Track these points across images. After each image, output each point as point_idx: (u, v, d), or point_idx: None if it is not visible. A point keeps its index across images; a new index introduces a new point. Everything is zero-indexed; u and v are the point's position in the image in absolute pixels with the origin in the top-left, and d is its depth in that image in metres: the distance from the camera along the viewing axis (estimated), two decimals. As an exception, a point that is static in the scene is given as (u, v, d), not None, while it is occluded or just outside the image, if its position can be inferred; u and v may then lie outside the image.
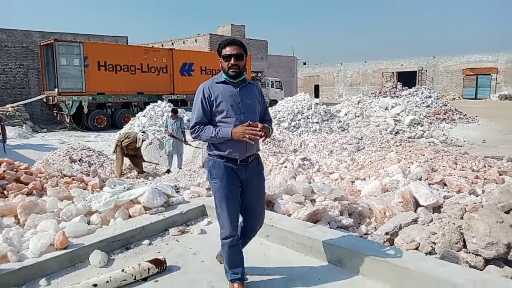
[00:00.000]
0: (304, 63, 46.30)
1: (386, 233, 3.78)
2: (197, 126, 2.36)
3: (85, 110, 17.10)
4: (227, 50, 2.32)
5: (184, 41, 30.96)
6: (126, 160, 8.52)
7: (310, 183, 4.79)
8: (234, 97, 2.37)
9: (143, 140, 8.43)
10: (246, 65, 2.41)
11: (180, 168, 8.53)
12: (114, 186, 4.03)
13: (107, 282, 2.51)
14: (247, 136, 2.22)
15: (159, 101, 16.51)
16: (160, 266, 2.77)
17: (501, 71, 34.79)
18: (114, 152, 8.48)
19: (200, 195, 4.12)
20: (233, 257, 2.51)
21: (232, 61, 2.32)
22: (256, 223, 2.57)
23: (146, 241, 3.29)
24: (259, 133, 2.22)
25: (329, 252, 2.87)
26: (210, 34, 29.59)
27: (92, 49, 17.68)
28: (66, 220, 3.35)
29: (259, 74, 25.92)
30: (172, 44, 30.40)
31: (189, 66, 21.45)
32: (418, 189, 4.38)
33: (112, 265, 2.92)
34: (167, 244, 3.30)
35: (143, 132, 8.98)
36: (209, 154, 2.47)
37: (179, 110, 13.58)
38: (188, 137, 8.90)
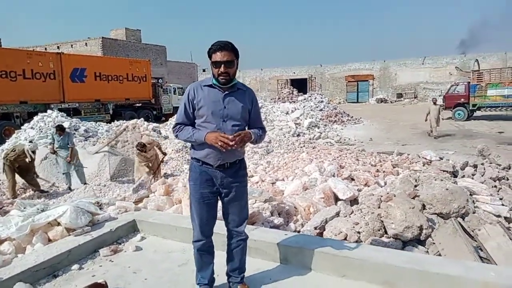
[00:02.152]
0: (204, 70, 46.38)
1: (315, 228, 4.06)
2: (177, 127, 2.38)
3: (-48, 123, 14.41)
4: (217, 56, 2.23)
5: (72, 45, 28.38)
6: (19, 179, 7.44)
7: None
8: (218, 103, 2.30)
9: (32, 151, 7.42)
10: (236, 69, 2.33)
11: (85, 183, 7.78)
12: (24, 208, 3.52)
13: (43, 317, 2.19)
14: (219, 144, 2.18)
15: (48, 111, 14.77)
16: (102, 291, 2.52)
17: (376, 78, 39.95)
18: (3, 172, 7.32)
19: (127, 210, 3.85)
20: (201, 261, 2.49)
21: (222, 69, 2.23)
22: (234, 225, 2.49)
23: (75, 266, 2.96)
24: (231, 143, 2.18)
25: (275, 252, 2.96)
26: (103, 37, 27.71)
27: (-42, 51, 15.01)
28: (-31, 254, 2.81)
29: (160, 81, 25.11)
30: (58, 47, 27.60)
31: (81, 72, 19.66)
32: (336, 185, 4.80)
33: (39, 298, 2.56)
34: (101, 266, 3.02)
35: (30, 141, 7.88)
36: (191, 157, 2.45)
37: (65, 125, 12.24)
38: (79, 151, 8.15)
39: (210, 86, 2.34)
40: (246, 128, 2.42)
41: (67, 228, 3.29)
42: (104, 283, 2.57)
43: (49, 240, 3.21)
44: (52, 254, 2.90)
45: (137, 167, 7.72)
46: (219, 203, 2.50)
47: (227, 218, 2.51)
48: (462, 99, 19.65)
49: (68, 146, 7.97)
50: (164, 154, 8.27)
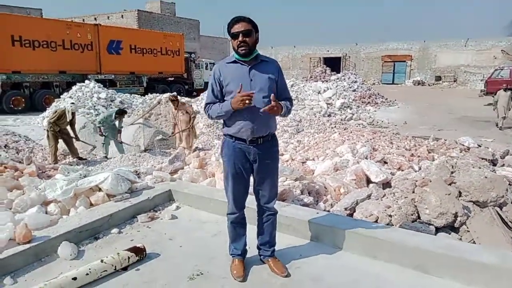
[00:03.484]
0: (235, 46, 46.07)
1: (345, 209, 4.05)
2: (207, 106, 2.42)
3: (-2, 91, 15.21)
4: (235, 28, 2.25)
5: (108, 17, 28.84)
6: (60, 146, 7.81)
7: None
8: (244, 77, 2.31)
9: (73, 112, 7.73)
10: (256, 41, 2.31)
11: (123, 153, 8.07)
12: (68, 173, 3.72)
13: (87, 274, 2.36)
14: (243, 101, 2.19)
15: (86, 81, 15.26)
16: (140, 254, 2.67)
17: (415, 59, 38.28)
18: (46, 138, 7.69)
19: (163, 180, 3.99)
20: (234, 233, 2.58)
21: (240, 38, 2.24)
22: (266, 201, 2.54)
23: (115, 230, 3.13)
24: (252, 94, 2.20)
25: (306, 229, 3.00)
26: (138, 10, 27.95)
27: (4, 21, 15.61)
28: (21, 212, 3.03)
29: (193, 55, 25.20)
30: (95, 19, 28.10)
31: (117, 44, 20.07)
32: (369, 167, 4.74)
33: (83, 257, 2.74)
34: (139, 231, 3.17)
35: (72, 103, 8.15)
36: (224, 134, 2.49)
37: (102, 95, 12.36)
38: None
39: (233, 62, 2.35)
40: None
41: (107, 194, 3.46)
42: (142, 247, 2.72)
43: (91, 204, 3.40)
44: (94, 218, 3.08)
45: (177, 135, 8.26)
46: (251, 179, 2.54)
47: (258, 194, 2.55)
48: (505, 85, 18.56)
49: (118, 128, 8.27)
50: (192, 126, 8.21)
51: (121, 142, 8.35)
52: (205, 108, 2.44)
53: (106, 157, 8.25)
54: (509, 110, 12.58)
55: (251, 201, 2.64)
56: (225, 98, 2.37)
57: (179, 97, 8.28)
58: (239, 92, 2.22)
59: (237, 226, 2.58)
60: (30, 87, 16.68)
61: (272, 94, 2.28)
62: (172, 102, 8.13)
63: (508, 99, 12.37)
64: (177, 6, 33.87)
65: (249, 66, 2.33)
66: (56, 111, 7.79)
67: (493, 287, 2.23)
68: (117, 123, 8.30)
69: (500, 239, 3.07)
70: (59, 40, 17.40)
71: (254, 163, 2.42)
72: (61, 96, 14.55)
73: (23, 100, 16.20)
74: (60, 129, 7.62)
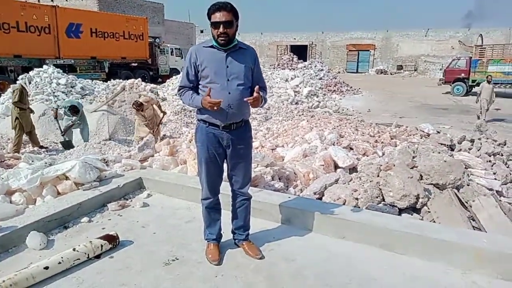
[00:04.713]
0: (202, 31, 45.22)
1: (314, 193, 4.19)
2: (181, 90, 2.42)
3: None
4: (216, 17, 2.22)
5: (66, -2, 27.31)
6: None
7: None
8: (220, 63, 2.31)
9: (29, 82, 7.32)
10: (236, 30, 2.30)
11: (87, 140, 7.80)
12: (32, 161, 3.58)
13: (59, 263, 2.31)
14: (211, 107, 2.21)
15: (45, 66, 14.48)
16: (113, 242, 2.64)
17: (378, 48, 39.38)
18: (13, 128, 7.21)
19: (133, 168, 3.92)
20: (209, 218, 2.60)
21: (221, 29, 2.23)
22: (239, 186, 2.58)
23: (85, 219, 3.07)
24: (220, 103, 2.21)
25: (278, 213, 3.09)
26: (99, -8, 26.66)
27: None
28: (-18, 202, 2.89)
29: (157, 40, 24.52)
30: (52, 0, 26.54)
31: (77, 27, 19.10)
32: (336, 153, 4.89)
33: (53, 246, 2.68)
34: (109, 219, 3.13)
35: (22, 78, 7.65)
36: (197, 119, 2.48)
37: (62, 81, 11.46)
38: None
39: (211, 47, 2.34)
40: (250, 88, 2.43)
41: (75, 183, 3.37)
42: (115, 235, 2.69)
43: (58, 193, 3.30)
44: (63, 206, 3.00)
45: (136, 127, 7.72)
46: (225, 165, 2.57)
47: (232, 179, 2.59)
48: (463, 74, 19.60)
49: (71, 121, 7.79)
50: (164, 113, 8.20)
51: (63, 136, 7.77)
52: (178, 90, 2.46)
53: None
54: (492, 102, 12.45)
55: (225, 187, 2.68)
56: (199, 82, 2.38)
57: (141, 100, 7.71)
58: (208, 95, 2.22)
59: (212, 211, 2.61)
60: (-19, 71, 15.63)
61: (257, 86, 2.31)
62: (137, 111, 7.48)
63: (491, 92, 12.22)
64: (140, -11, 32.60)
65: (226, 53, 2.32)
66: (13, 91, 7.37)
67: (453, 261, 2.42)
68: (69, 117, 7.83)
69: (457, 218, 3.30)
70: (12, 21, 16.31)
71: (227, 149, 2.45)
72: (16, 81, 13.75)
73: (-27, 85, 15.18)
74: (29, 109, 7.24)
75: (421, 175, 4.06)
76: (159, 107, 8.00)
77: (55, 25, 17.98)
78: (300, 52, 37.52)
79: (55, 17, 17.96)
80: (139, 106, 7.43)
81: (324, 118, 7.77)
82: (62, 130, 7.73)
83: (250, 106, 2.40)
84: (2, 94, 13.25)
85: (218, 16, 2.22)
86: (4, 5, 16.43)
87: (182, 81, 2.43)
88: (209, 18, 2.27)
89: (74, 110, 7.72)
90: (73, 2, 26.83)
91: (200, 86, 2.39)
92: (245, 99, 2.29)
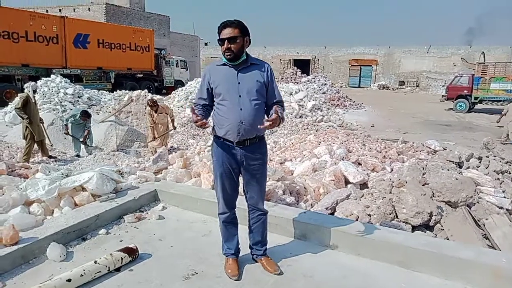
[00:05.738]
0: (206, 44, 45.71)
1: (326, 208, 4.20)
2: (194, 106, 2.46)
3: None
4: (222, 34, 2.32)
5: (74, 9, 27.71)
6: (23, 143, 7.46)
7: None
8: (231, 80, 2.37)
9: (34, 91, 7.44)
10: (243, 46, 2.35)
11: (91, 145, 7.90)
12: (49, 172, 3.62)
13: (82, 275, 2.33)
14: (199, 127, 2.30)
15: (52, 76, 14.65)
16: (133, 255, 2.67)
17: (380, 63, 39.72)
18: (24, 137, 7.27)
19: (148, 180, 3.96)
20: (227, 233, 2.62)
21: (225, 45, 2.31)
22: (253, 202, 2.60)
23: (102, 230, 3.09)
24: (205, 124, 2.27)
25: (294, 228, 3.10)
26: (106, 3, 27.06)
27: (-40, 8, 14.67)
28: (2, 212, 2.92)
29: (163, 52, 24.77)
30: (60, 11, 26.93)
31: (84, 38, 19.39)
32: (347, 168, 4.93)
33: (73, 258, 2.70)
34: (127, 232, 3.15)
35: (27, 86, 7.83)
36: (213, 135, 2.54)
37: (69, 91, 11.57)
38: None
39: (223, 65, 2.43)
40: (265, 103, 2.46)
41: (92, 194, 3.40)
42: (135, 247, 2.71)
43: (76, 205, 3.33)
44: (81, 218, 3.02)
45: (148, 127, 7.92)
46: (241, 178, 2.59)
47: (247, 194, 2.62)
48: (465, 91, 19.71)
49: (85, 128, 7.99)
50: (174, 127, 8.32)
51: (85, 144, 8.03)
52: (194, 105, 2.50)
53: (78, 155, 8.01)
54: None
55: (241, 201, 2.70)
56: (214, 99, 2.46)
57: (156, 99, 7.99)
58: (197, 116, 2.27)
59: (229, 225, 2.63)
60: (-12, 80, 15.78)
61: (275, 107, 2.36)
62: (151, 108, 7.73)
63: None
64: (146, 1, 33.13)
65: (238, 70, 2.39)
66: (20, 99, 7.46)
67: (471, 279, 2.43)
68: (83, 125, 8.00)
69: (472, 236, 3.32)
70: (21, 31, 16.57)
71: (241, 165, 2.48)
72: (24, 90, 13.86)
73: (-19, 94, 15.30)
74: (34, 120, 7.31)
75: (432, 192, 4.08)
76: (172, 121, 8.11)
77: (63, 35, 18.26)
78: (303, 66, 37.83)
79: (64, 27, 18.25)
80: (153, 103, 7.56)
81: (332, 133, 7.82)
82: (82, 140, 7.90)
83: (267, 128, 2.34)
84: (10, 103, 13.37)
85: (224, 33, 2.32)
86: (14, 15, 16.71)
87: (196, 98, 2.52)
88: (218, 36, 2.36)
89: (86, 114, 7.90)
90: (81, 13, 27.19)
91: (215, 103, 2.47)
92: (261, 127, 2.29)
